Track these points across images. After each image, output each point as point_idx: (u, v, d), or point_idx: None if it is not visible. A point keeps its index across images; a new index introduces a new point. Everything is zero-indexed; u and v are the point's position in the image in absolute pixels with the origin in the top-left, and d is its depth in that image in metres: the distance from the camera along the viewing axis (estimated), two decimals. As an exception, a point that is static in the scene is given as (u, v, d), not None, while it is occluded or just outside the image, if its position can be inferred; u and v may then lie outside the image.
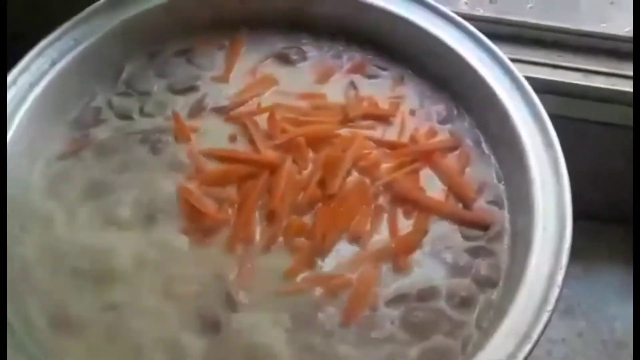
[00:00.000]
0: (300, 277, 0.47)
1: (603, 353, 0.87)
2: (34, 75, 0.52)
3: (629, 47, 0.69)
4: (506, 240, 0.49)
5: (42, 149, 0.53)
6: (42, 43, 0.54)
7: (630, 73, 0.68)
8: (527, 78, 0.54)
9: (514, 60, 0.55)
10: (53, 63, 0.54)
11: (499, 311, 0.44)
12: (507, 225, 0.50)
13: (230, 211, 0.50)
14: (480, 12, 0.75)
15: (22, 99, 0.51)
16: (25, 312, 0.44)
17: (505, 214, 0.51)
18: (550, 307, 0.41)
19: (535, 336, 0.40)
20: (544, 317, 0.41)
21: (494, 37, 0.58)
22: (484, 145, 0.55)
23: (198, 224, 0.50)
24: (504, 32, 0.73)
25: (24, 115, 0.51)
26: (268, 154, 0.53)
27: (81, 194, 0.51)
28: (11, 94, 0.51)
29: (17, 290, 0.45)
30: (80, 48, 0.56)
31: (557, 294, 0.41)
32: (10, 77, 0.51)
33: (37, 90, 0.52)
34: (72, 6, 0.57)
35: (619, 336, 0.88)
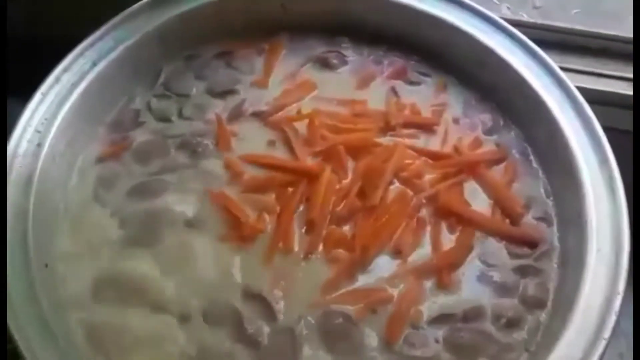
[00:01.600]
0: (339, 291, 0.46)
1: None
2: (75, 75, 0.52)
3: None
4: (555, 259, 0.47)
5: (82, 149, 0.53)
6: (83, 44, 0.54)
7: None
8: (578, 88, 0.52)
9: (561, 69, 0.53)
10: (93, 64, 0.53)
11: (548, 334, 0.42)
12: (556, 243, 0.48)
13: (268, 219, 0.49)
14: (524, 17, 0.73)
15: (65, 98, 0.51)
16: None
17: (555, 232, 0.49)
18: (607, 334, 0.39)
19: (592, 365, 0.38)
20: (601, 345, 0.39)
21: (538, 43, 0.56)
22: (532, 158, 0.53)
23: (237, 232, 0.48)
24: (548, 39, 0.70)
25: (66, 114, 0.51)
26: (307, 161, 0.52)
27: (125, 197, 0.51)
28: (54, 92, 0.51)
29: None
30: (119, 49, 0.55)
31: (614, 321, 0.39)
32: (53, 76, 0.51)
33: (79, 89, 0.52)
34: (115, 7, 0.56)
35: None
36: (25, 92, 0.50)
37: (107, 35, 0.55)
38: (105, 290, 0.46)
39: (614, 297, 0.41)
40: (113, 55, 0.55)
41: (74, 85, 0.52)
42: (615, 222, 0.44)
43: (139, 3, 0.57)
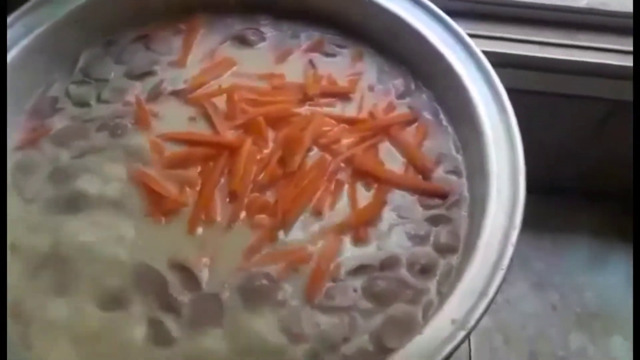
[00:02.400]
0: (261, 254, 0.47)
1: (577, 324, 0.89)
2: (-14, 61, 0.52)
3: (584, 18, 0.70)
4: (465, 207, 0.50)
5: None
6: (-8, 31, 0.53)
7: (587, 44, 0.69)
8: (485, 53, 0.55)
9: (471, 36, 0.56)
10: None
11: (457, 275, 0.45)
12: (465, 193, 0.51)
13: (190, 193, 0.50)
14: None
15: (-25, 85, 0.50)
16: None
17: (464, 183, 0.51)
18: (505, 264, 0.42)
19: (491, 293, 0.40)
20: (500, 275, 0.41)
21: (449, 13, 0.59)
22: (442, 117, 0.56)
23: (159, 207, 0.49)
24: (459, 8, 0.74)
25: (-21, 105, 0.50)
26: (228, 135, 0.53)
27: (43, 183, 0.51)
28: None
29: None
30: (31, 37, 0.55)
31: (511, 252, 0.42)
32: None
33: (-10, 77, 0.51)
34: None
35: (591, 307, 0.90)
36: None
37: (17, 22, 0.55)
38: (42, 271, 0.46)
39: (511, 231, 0.43)
40: (24, 42, 0.54)
41: (-15, 71, 0.52)
42: (513, 165, 0.47)
43: (51, -12, 0.57)
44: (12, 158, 0.52)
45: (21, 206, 0.50)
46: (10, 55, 0.54)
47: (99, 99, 0.56)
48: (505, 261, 0.42)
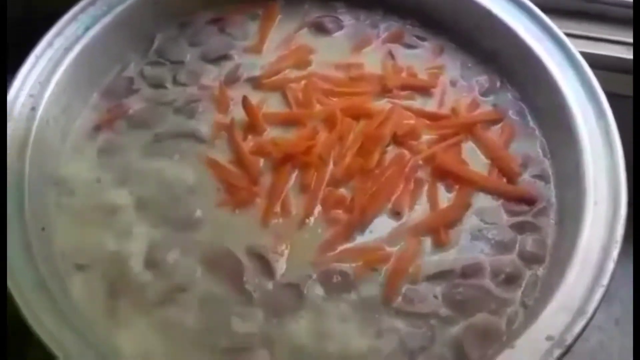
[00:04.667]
0: (338, 250, 0.46)
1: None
2: (68, 39, 0.51)
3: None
4: (552, 215, 0.47)
5: (77, 115, 0.53)
6: (76, 8, 0.53)
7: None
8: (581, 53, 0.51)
9: (566, 35, 0.53)
10: (87, 28, 0.53)
11: (546, 288, 0.42)
12: (553, 200, 0.48)
13: (265, 183, 0.49)
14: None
15: (58, 62, 0.50)
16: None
17: (552, 189, 0.49)
18: (605, 280, 0.39)
19: (590, 311, 0.38)
20: (599, 292, 0.39)
21: (543, 8, 0.55)
22: (528, 117, 0.53)
23: (234, 197, 0.48)
24: (546, 4, 0.70)
25: (60, 79, 0.50)
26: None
27: (125, 165, 0.50)
28: (47, 56, 0.50)
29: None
30: (112, 14, 0.55)
31: (612, 268, 0.39)
32: (46, 40, 0.50)
33: (72, 54, 0.51)
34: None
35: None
36: (17, 57, 0.50)
37: (99, 0, 0.54)
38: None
39: (612, 245, 0.41)
40: (106, 19, 0.54)
41: (67, 49, 0.51)
42: (612, 175, 0.44)
43: (131, -31, 0.57)
44: (91, 138, 0.52)
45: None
46: (90, 33, 0.53)
47: (174, 81, 0.56)
48: (606, 278, 0.39)
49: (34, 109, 0.48)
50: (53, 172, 0.49)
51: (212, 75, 0.56)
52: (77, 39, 0.52)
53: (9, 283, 0.40)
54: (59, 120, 0.50)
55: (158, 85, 0.55)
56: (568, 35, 0.54)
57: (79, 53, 0.51)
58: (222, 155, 0.51)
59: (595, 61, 0.54)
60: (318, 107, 0.53)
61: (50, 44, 0.50)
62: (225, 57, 0.57)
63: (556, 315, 0.38)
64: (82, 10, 0.53)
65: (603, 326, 0.85)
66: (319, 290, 0.44)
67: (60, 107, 0.50)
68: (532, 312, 0.41)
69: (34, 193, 0.46)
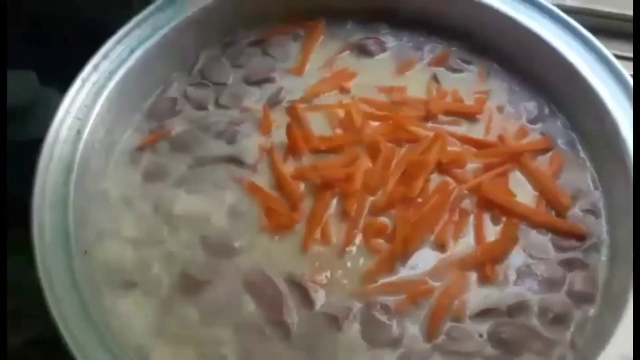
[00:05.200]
0: (380, 282, 0.45)
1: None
2: (113, 63, 0.52)
3: None
4: (604, 252, 0.45)
5: (119, 137, 0.53)
6: (121, 31, 0.53)
7: None
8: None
9: (617, 57, 0.51)
10: (131, 51, 0.53)
11: (598, 331, 0.40)
12: (605, 236, 0.46)
13: (305, 209, 0.49)
14: (567, 2, 0.70)
15: (103, 85, 0.51)
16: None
17: (603, 224, 0.47)
18: (664, 333, 0.37)
19: (647, 365, 0.36)
20: (658, 344, 0.37)
21: (593, 31, 0.53)
22: (579, 147, 0.51)
23: (274, 221, 0.48)
24: (594, 25, 0.67)
25: (105, 102, 0.50)
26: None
27: (167, 188, 0.51)
28: (93, 79, 0.51)
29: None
30: (157, 36, 0.55)
31: (671, 319, 0.37)
32: (92, 63, 0.51)
33: (117, 77, 0.51)
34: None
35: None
36: (60, 80, 0.50)
37: (144, 22, 0.55)
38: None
39: (672, 294, 0.39)
40: (151, 42, 0.54)
41: (112, 72, 0.52)
42: (633, 207, 0.42)
43: (176, -10, 0.57)
44: (134, 159, 0.52)
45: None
46: (136, 55, 0.54)
47: (217, 104, 0.55)
48: (664, 329, 0.37)
49: (79, 132, 0.49)
50: (96, 194, 0.50)
51: (254, 98, 0.56)
52: (122, 62, 0.52)
53: (52, 308, 0.40)
54: (104, 143, 0.51)
55: (200, 107, 0.55)
56: (617, 57, 0.52)
57: (123, 76, 0.52)
58: (263, 180, 0.50)
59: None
60: (360, 131, 0.52)
61: (96, 67, 0.51)
62: (267, 80, 0.57)
63: (610, 365, 0.37)
64: (128, 33, 0.53)
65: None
66: (357, 324, 0.43)
67: (105, 129, 0.51)
68: (582, 355, 0.40)
69: (78, 216, 0.46)
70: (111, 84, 0.51)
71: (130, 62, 0.53)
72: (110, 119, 0.52)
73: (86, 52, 0.52)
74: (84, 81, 0.50)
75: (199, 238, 0.48)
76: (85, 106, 0.50)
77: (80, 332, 0.40)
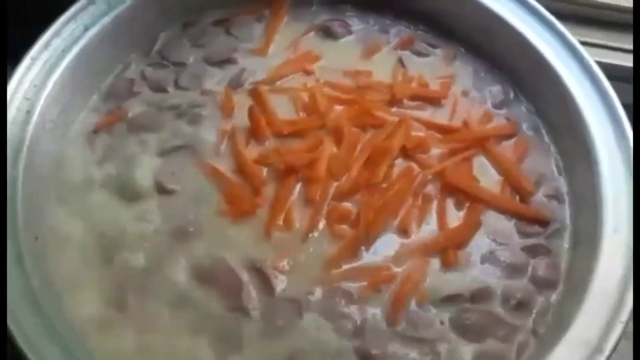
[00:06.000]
0: (343, 268, 0.44)
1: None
2: (66, 40, 0.49)
3: None
4: (567, 238, 0.45)
5: (74, 118, 0.51)
6: (74, 8, 0.51)
7: None
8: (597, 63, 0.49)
9: (582, 44, 0.50)
10: (85, 29, 0.51)
11: (559, 317, 0.40)
12: (568, 222, 0.46)
13: (268, 194, 0.47)
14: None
15: (55, 64, 0.48)
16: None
17: (566, 210, 0.47)
18: (624, 317, 0.37)
19: (607, 350, 0.36)
20: (618, 329, 0.37)
21: (558, 16, 0.53)
22: (543, 133, 0.51)
23: (235, 207, 0.47)
24: (562, 10, 0.67)
25: (57, 81, 0.48)
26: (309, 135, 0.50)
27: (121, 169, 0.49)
28: (44, 58, 0.48)
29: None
30: (113, 14, 0.52)
31: (631, 303, 0.37)
32: (43, 40, 0.48)
33: (70, 56, 0.49)
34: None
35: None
36: (13, 57, 0.48)
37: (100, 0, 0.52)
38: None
39: (631, 277, 0.39)
40: (106, 20, 0.52)
41: (65, 51, 0.49)
42: (634, 201, 0.42)
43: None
44: (89, 141, 0.50)
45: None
46: (89, 34, 0.51)
47: (176, 85, 0.54)
48: (625, 314, 0.37)
49: (29, 112, 0.46)
50: (49, 176, 0.47)
51: (215, 79, 0.54)
52: (75, 40, 0.50)
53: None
54: (57, 123, 0.48)
55: (159, 88, 0.53)
56: (583, 43, 0.52)
57: (77, 55, 0.49)
58: (224, 164, 0.49)
59: (612, 71, 0.52)
60: (324, 115, 0.51)
61: (47, 45, 0.48)
62: (229, 61, 0.55)
63: (571, 352, 0.37)
64: (81, 9, 0.51)
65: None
66: (318, 310, 0.42)
67: (58, 109, 0.48)
68: (544, 341, 0.40)
69: (28, 200, 0.44)
70: (64, 63, 0.49)
71: (84, 41, 0.51)
72: (65, 98, 0.49)
73: (38, 31, 0.50)
74: (34, 60, 0.48)
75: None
76: (35, 86, 0.47)
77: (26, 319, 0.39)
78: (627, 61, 0.60)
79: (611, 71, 0.51)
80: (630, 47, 0.60)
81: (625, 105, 0.48)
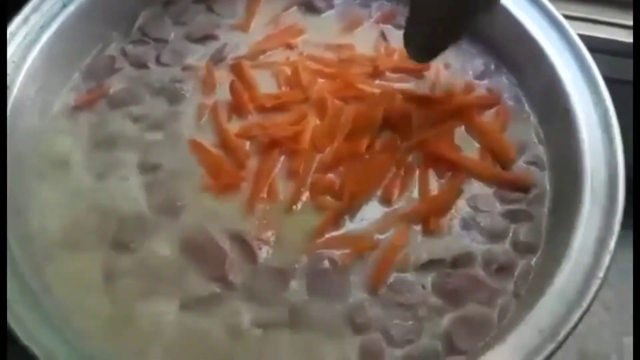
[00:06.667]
0: (326, 237, 0.44)
1: (629, 326, 0.84)
2: (45, 16, 0.49)
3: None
4: (547, 203, 0.46)
5: (55, 96, 0.50)
6: (53, -17, 0.50)
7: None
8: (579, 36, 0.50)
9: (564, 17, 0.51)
10: (64, 5, 0.50)
11: (540, 278, 0.41)
12: (548, 187, 0.47)
13: (251, 167, 0.47)
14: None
15: (34, 40, 0.48)
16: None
17: (547, 176, 0.47)
18: (601, 272, 0.38)
19: (585, 303, 0.37)
20: (595, 284, 0.37)
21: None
22: (524, 102, 0.51)
23: (218, 181, 0.47)
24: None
25: (36, 58, 0.48)
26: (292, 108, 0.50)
27: (98, 145, 0.49)
28: (22, 34, 0.48)
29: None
30: (91, -9, 0.52)
31: (608, 259, 0.38)
32: (21, 16, 0.48)
33: (49, 32, 0.49)
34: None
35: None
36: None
37: (77, -24, 0.52)
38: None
39: (609, 237, 0.39)
40: (84, -3, 0.52)
41: (44, 27, 0.49)
42: (610, 166, 0.43)
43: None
44: (70, 119, 0.50)
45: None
46: (68, 10, 0.51)
47: (157, 61, 0.53)
48: (602, 270, 0.38)
49: (8, 88, 0.46)
50: (30, 152, 0.47)
51: (197, 55, 0.54)
52: (54, 16, 0.49)
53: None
54: (36, 101, 0.48)
55: (140, 65, 0.53)
56: (565, 17, 0.52)
57: (56, 31, 0.49)
58: (206, 139, 0.49)
59: (594, 44, 0.52)
60: (307, 88, 0.51)
61: (26, 20, 0.48)
62: (210, 37, 0.55)
63: (551, 308, 0.37)
64: (60, -16, 0.50)
65: (593, 310, 0.84)
66: (303, 278, 0.42)
67: (37, 87, 0.48)
68: (525, 303, 0.40)
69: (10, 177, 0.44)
70: (42, 39, 0.49)
71: (62, 17, 0.50)
72: (44, 75, 0.49)
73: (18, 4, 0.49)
74: (12, 35, 0.47)
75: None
76: (13, 62, 0.47)
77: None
78: (607, 34, 0.60)
79: (592, 43, 0.51)
80: (609, 20, 0.61)
81: (605, 79, 0.48)
